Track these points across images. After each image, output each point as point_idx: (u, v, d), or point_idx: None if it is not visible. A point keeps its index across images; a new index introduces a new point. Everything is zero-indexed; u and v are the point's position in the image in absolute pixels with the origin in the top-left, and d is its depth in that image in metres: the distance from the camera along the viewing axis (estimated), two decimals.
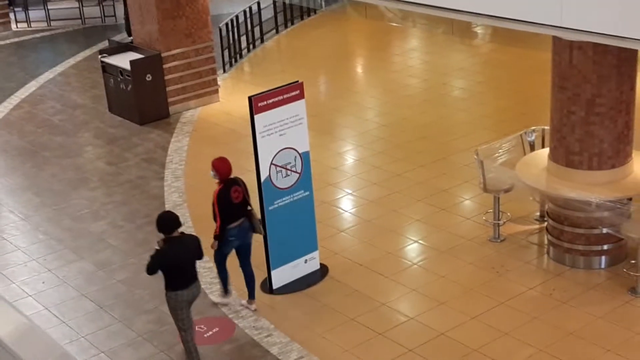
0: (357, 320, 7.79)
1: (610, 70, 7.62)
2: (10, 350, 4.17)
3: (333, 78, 14.63)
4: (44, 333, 5.09)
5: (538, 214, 9.15)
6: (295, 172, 8.12)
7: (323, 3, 18.11)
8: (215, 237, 7.69)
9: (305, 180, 8.23)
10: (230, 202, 7.64)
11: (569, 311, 7.67)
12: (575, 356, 7.08)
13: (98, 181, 11.01)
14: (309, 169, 8.23)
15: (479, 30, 16.15)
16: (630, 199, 7.86)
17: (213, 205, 7.63)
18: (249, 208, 7.78)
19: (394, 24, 16.58)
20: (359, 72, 15.43)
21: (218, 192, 7.64)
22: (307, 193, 8.29)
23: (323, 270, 8.56)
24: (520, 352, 7.19)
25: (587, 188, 7.83)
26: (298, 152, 8.09)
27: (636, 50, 7.59)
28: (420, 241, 9.14)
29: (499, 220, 8.87)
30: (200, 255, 7.08)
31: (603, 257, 8.21)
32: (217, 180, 7.72)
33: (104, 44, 15.88)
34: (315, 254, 8.50)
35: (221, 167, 7.70)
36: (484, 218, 9.11)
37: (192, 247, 7.00)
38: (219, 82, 13.62)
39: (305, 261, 8.42)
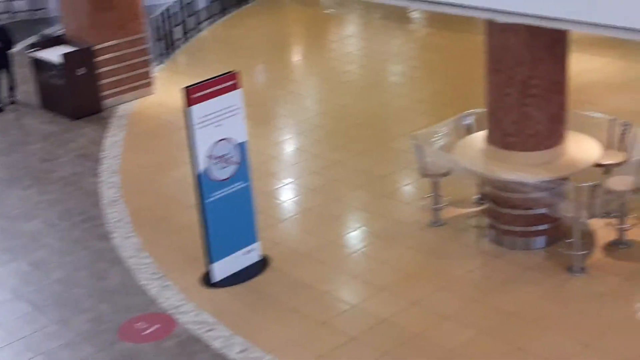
0: (300, 309, 7.74)
1: (543, 51, 7.67)
2: None
3: (270, 67, 14.53)
4: None
5: (477, 196, 9.20)
6: (233, 162, 8.02)
7: None
8: None
9: (243, 171, 8.14)
10: None
11: (508, 292, 7.73)
12: (515, 336, 7.13)
13: (31, 179, 10.74)
14: (247, 160, 8.14)
15: (415, 15, 16.19)
16: (565, 179, 7.94)
17: None
18: None
19: (331, 11, 16.54)
20: (296, 60, 15.35)
21: None
22: (245, 184, 8.20)
23: (264, 261, 8.49)
24: (461, 335, 7.22)
25: (524, 169, 7.89)
26: (236, 142, 7.99)
27: (567, 32, 7.65)
28: (361, 228, 9.12)
29: (438, 204, 8.90)
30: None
31: (541, 238, 8.29)
32: None
33: (36, 37, 15.51)
34: (256, 245, 8.42)
35: None
36: (423, 203, 9.13)
37: None
38: (153, 74, 13.41)
39: (246, 253, 8.34)
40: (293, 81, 13.80)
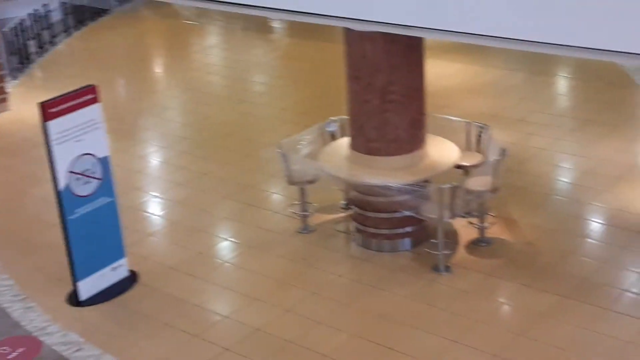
0: (172, 324, 7.64)
1: (400, 59, 7.88)
2: None
3: (131, 80, 14.29)
4: None
5: (344, 202, 9.34)
6: (96, 178, 7.84)
7: (115, 3, 17.63)
8: None
9: (106, 186, 7.96)
10: None
11: (378, 294, 7.88)
12: (386, 337, 7.28)
13: None
14: (110, 175, 7.97)
15: (276, 25, 16.30)
16: (427, 181, 8.18)
17: None
18: None
19: (191, 22, 16.43)
20: (158, 73, 15.16)
21: None
22: (110, 199, 8.03)
23: (133, 277, 8.33)
24: (333, 339, 7.31)
25: (387, 173, 8.08)
26: (97, 157, 7.82)
27: (422, 39, 7.89)
28: (230, 238, 9.09)
29: (306, 211, 8.99)
30: None
31: (407, 240, 8.50)
32: None
33: None
34: (123, 260, 8.25)
35: None
36: (291, 210, 9.19)
37: None
38: (8, 90, 12.93)
39: (113, 269, 8.16)
40: (155, 93, 13.62)
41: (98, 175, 7.85)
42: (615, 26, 5.93)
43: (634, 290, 7.64)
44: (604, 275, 7.90)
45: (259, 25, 15.92)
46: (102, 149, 7.87)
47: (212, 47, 15.63)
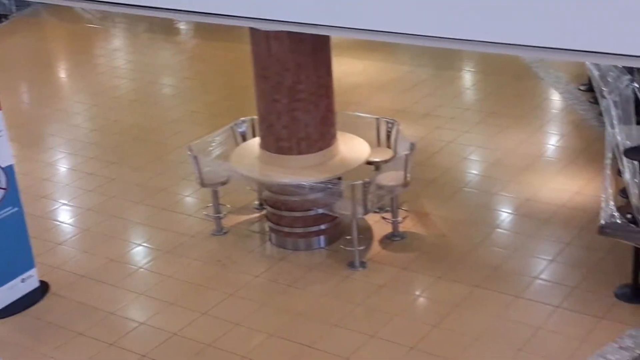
0: (86, 333, 7.49)
1: (307, 57, 7.91)
2: None
3: (35, 86, 13.93)
4: None
5: (257, 202, 9.33)
6: (0, 188, 7.62)
7: (14, 8, 17.15)
8: None
9: (12, 195, 7.75)
10: None
11: (294, 293, 7.90)
12: (304, 335, 7.30)
13: None
14: (15, 184, 7.77)
15: (182, 26, 16.14)
16: (339, 178, 8.23)
17: None
18: None
19: (94, 25, 16.11)
20: (62, 78, 14.82)
21: None
22: (15, 209, 7.82)
23: (43, 288, 8.13)
24: (252, 340, 7.29)
25: (299, 172, 8.10)
26: (0, 166, 7.60)
27: (329, 37, 7.94)
28: (143, 244, 8.96)
29: (219, 213, 8.94)
30: None
31: (322, 237, 8.54)
32: None
33: None
34: (33, 271, 8.05)
35: None
36: (205, 213, 9.13)
37: None
38: None
39: (22, 280, 7.95)
40: (60, 99, 13.32)
41: (2, 184, 7.64)
42: (516, 20, 6.08)
43: (543, 277, 7.86)
44: (514, 263, 8.10)
45: (164, 27, 15.74)
46: (6, 158, 7.67)
47: (117, 50, 15.37)
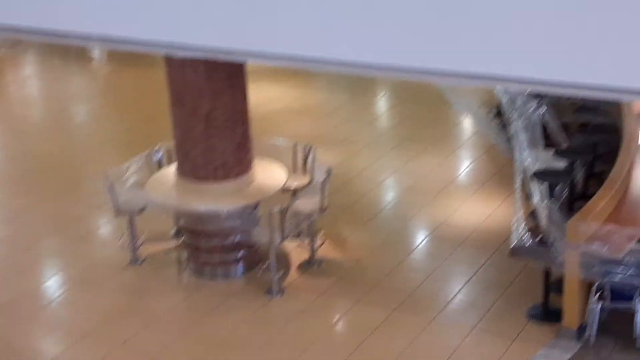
0: None
1: (223, 83, 7.92)
2: None
3: None
4: None
5: (174, 230, 9.24)
6: None
7: None
8: None
9: None
10: None
11: (213, 322, 7.85)
12: None
13: None
14: None
15: (96, 53, 15.95)
16: (257, 205, 8.24)
17: None
18: None
19: (3, 51, 15.79)
20: None
21: None
22: None
23: None
24: None
25: (216, 199, 8.08)
26: None
27: (245, 63, 7.97)
28: (57, 275, 8.78)
29: (136, 242, 8.82)
30: None
31: (239, 265, 8.52)
32: None
33: None
34: None
35: None
36: (120, 242, 9.00)
37: None
38: None
39: None
40: None
41: None
42: (429, 45, 6.22)
43: (458, 299, 8.01)
44: (429, 287, 8.23)
45: (77, 55, 15.52)
46: None
47: (28, 77, 15.09)
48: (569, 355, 7.04)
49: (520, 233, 7.50)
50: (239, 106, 8.13)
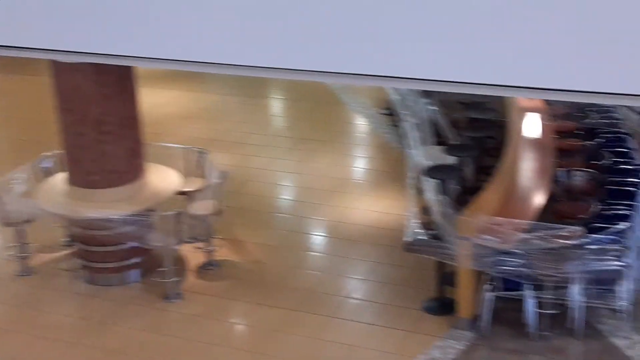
0: None
1: (112, 89, 7.77)
2: None
3: None
4: None
5: (66, 239, 9.02)
6: None
7: None
8: None
9: None
10: None
11: (108, 330, 7.68)
12: None
13: None
14: None
15: None
16: (151, 210, 8.12)
17: None
18: None
19: None
20: None
21: None
22: None
23: None
24: None
25: (109, 205, 7.92)
26: None
27: (133, 68, 7.84)
28: None
29: (25, 253, 8.57)
30: None
31: (135, 271, 8.38)
32: None
33: None
34: None
35: None
36: (9, 253, 8.71)
37: None
38: None
39: None
40: None
41: None
42: (320, 47, 6.24)
43: (356, 296, 8.09)
44: (327, 285, 8.28)
45: None
46: None
47: None
48: (464, 345, 7.21)
49: (413, 228, 7.63)
50: (130, 111, 7.99)
